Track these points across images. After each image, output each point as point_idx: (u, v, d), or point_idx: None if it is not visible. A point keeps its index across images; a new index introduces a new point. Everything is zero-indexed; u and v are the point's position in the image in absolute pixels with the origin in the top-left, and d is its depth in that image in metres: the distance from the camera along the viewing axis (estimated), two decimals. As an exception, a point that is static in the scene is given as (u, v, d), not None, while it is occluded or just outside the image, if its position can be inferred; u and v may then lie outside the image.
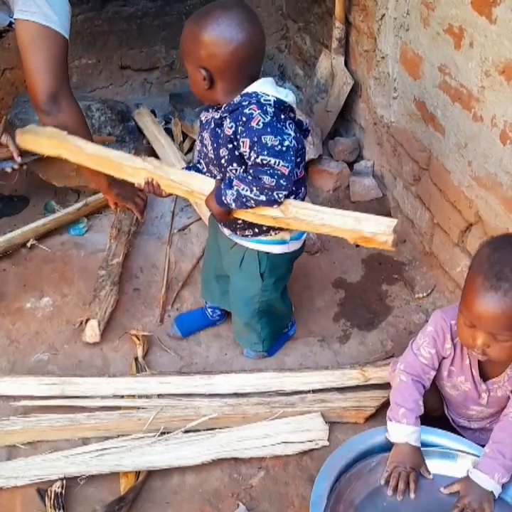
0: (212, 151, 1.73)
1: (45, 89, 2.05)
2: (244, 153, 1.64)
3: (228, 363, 2.18)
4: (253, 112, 1.59)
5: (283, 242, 1.87)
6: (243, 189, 1.65)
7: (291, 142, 1.60)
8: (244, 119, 1.60)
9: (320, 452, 1.85)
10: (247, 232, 1.86)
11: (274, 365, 2.16)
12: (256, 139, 1.59)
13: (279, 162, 1.59)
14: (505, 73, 1.76)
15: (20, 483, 1.76)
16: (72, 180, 2.82)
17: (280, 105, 1.64)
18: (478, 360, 1.61)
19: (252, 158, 1.61)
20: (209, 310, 2.29)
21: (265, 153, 1.58)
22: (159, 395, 2.00)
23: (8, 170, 2.50)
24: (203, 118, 1.80)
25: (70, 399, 1.98)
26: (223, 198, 1.69)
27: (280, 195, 1.64)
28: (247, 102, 1.62)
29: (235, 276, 2.01)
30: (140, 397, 1.99)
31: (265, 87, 1.64)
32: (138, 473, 1.79)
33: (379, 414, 1.93)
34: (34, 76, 2.06)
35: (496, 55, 1.79)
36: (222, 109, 1.68)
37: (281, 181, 1.61)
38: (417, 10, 2.20)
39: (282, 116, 1.64)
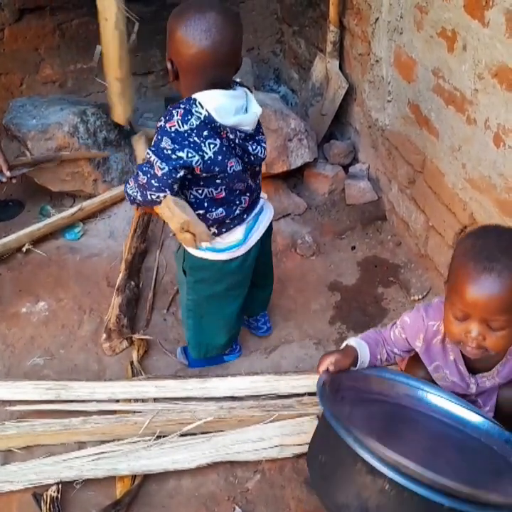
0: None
1: None
2: None
3: (224, 367, 2.18)
4: (175, 115, 1.59)
5: (200, 247, 1.81)
6: (129, 185, 1.72)
7: (188, 157, 1.58)
8: (166, 117, 1.61)
9: (316, 455, 1.85)
10: None
11: (270, 368, 2.16)
12: (157, 137, 1.61)
13: (157, 162, 1.59)
14: (498, 76, 1.77)
15: (16, 488, 1.76)
16: (68, 185, 2.83)
17: (210, 123, 1.60)
18: (463, 356, 1.59)
19: None
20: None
21: (153, 149, 1.61)
22: (155, 399, 2.00)
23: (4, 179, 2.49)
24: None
25: (66, 403, 1.98)
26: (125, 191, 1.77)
27: (152, 196, 1.64)
28: (182, 105, 1.61)
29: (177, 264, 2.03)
30: (136, 401, 1.99)
31: (210, 99, 1.59)
32: (134, 477, 1.79)
33: (375, 417, 1.94)
34: None
35: (488, 58, 1.79)
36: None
37: (153, 181, 1.61)
38: (410, 13, 2.21)
39: (205, 133, 1.60)
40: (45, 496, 1.72)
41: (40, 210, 2.87)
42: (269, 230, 1.99)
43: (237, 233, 1.83)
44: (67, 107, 2.81)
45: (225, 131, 1.62)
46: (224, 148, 1.63)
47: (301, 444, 1.84)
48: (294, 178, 2.94)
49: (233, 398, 1.99)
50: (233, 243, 1.84)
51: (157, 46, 3.47)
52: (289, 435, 1.86)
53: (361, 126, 2.90)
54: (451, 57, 1.99)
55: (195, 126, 1.59)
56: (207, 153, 1.60)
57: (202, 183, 1.69)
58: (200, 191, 1.70)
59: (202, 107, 1.59)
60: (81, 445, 1.89)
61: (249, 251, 1.88)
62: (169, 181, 1.61)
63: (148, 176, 1.62)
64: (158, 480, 1.81)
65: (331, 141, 3.05)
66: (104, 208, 2.84)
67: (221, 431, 1.88)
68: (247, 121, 1.66)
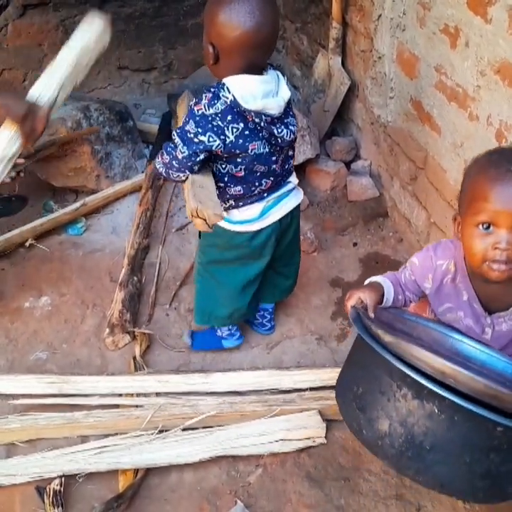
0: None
1: None
2: None
3: (226, 362, 2.19)
4: (203, 99, 1.67)
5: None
6: (158, 160, 1.82)
7: (209, 142, 1.67)
8: (197, 99, 1.68)
9: (317, 450, 1.86)
10: None
11: (272, 363, 2.17)
12: (185, 118, 1.70)
13: (180, 144, 1.70)
14: (500, 73, 1.77)
15: (19, 481, 1.77)
16: (71, 181, 2.84)
17: (235, 107, 1.65)
18: (478, 296, 1.49)
19: None
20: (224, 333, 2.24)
21: (178, 131, 1.72)
22: (157, 394, 2.00)
23: (7, 180, 2.50)
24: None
25: (69, 397, 1.99)
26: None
27: (173, 175, 1.79)
28: (212, 89, 1.68)
29: None
30: (138, 395, 2.00)
31: (238, 84, 1.65)
32: (136, 470, 1.80)
33: (376, 412, 1.95)
34: None
35: (491, 54, 1.80)
36: None
37: (174, 162, 1.74)
38: (413, 10, 2.21)
39: (229, 118, 1.66)
40: (48, 490, 1.73)
41: (43, 205, 2.87)
42: (295, 217, 2.03)
43: (254, 209, 1.88)
44: (70, 102, 2.81)
45: (250, 116, 1.67)
46: (247, 132, 1.70)
47: (302, 439, 1.85)
48: (296, 175, 2.94)
49: (235, 393, 2.00)
50: (247, 218, 1.89)
51: (160, 42, 3.47)
52: (291, 430, 1.86)
53: (363, 123, 2.90)
54: (454, 53, 2.00)
55: (220, 110, 1.66)
56: (228, 137, 1.68)
57: (224, 160, 1.76)
58: (223, 166, 1.78)
59: (229, 92, 1.65)
60: (84, 439, 1.90)
61: (262, 230, 1.92)
62: (189, 164, 1.72)
63: (171, 156, 1.74)
64: (161, 474, 1.82)
65: (333, 137, 3.06)
66: (106, 203, 2.85)
67: (223, 425, 1.89)
68: (272, 105, 1.69)
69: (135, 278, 2.42)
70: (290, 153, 1.91)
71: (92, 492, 1.78)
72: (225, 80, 1.66)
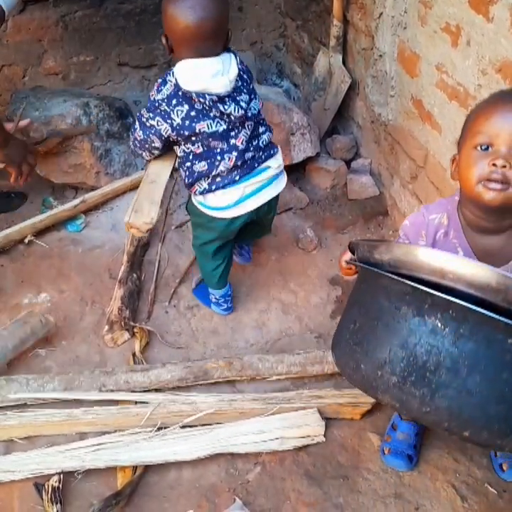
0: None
1: None
2: None
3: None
4: (155, 85, 1.86)
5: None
6: (131, 134, 2.01)
7: (158, 126, 1.86)
8: (153, 87, 1.88)
9: (316, 448, 1.87)
10: None
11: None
12: (146, 105, 1.90)
13: (138, 128, 1.93)
14: (501, 72, 1.77)
15: (17, 478, 1.77)
16: (70, 177, 2.83)
17: (179, 90, 1.80)
18: (474, 251, 1.45)
19: None
20: None
21: (138, 114, 1.93)
22: (156, 390, 2.00)
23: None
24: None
25: (67, 392, 1.98)
26: None
27: (138, 152, 2.03)
28: (163, 76, 1.86)
29: None
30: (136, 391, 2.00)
31: (181, 68, 1.80)
32: (135, 468, 1.80)
33: (375, 411, 1.95)
34: None
35: (492, 53, 1.79)
36: None
37: (136, 142, 1.98)
38: (414, 8, 2.21)
39: (174, 102, 1.82)
40: (46, 486, 1.73)
41: (43, 201, 2.87)
42: (273, 207, 2.20)
43: (231, 196, 1.99)
44: (70, 99, 2.81)
45: (194, 97, 1.79)
46: (193, 113, 1.83)
47: (301, 437, 1.86)
48: (296, 173, 2.94)
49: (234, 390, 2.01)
50: (223, 205, 2.02)
51: (160, 39, 3.45)
52: (290, 428, 1.86)
53: (364, 121, 2.90)
54: (455, 52, 1.99)
55: (166, 95, 1.83)
56: (175, 121, 1.84)
57: (183, 141, 1.92)
58: (185, 146, 1.94)
59: (173, 76, 1.82)
60: (82, 436, 1.90)
61: (238, 217, 2.05)
62: (146, 146, 1.97)
63: (133, 136, 1.98)
64: (159, 471, 1.82)
65: (333, 135, 3.05)
66: (106, 200, 2.85)
67: (222, 423, 1.89)
68: (216, 85, 1.79)
69: (134, 275, 2.42)
70: (260, 129, 2.00)
71: (90, 489, 1.78)
72: (175, 67, 1.81)
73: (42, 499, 1.72)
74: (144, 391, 2.00)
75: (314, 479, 1.80)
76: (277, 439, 1.85)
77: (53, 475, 1.76)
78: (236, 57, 1.87)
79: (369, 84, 2.74)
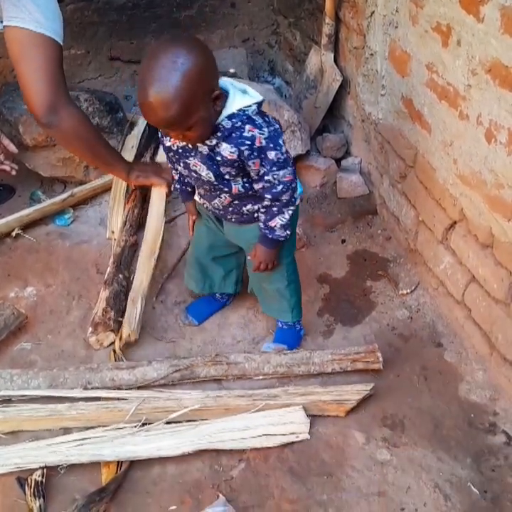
0: (208, 174, 1.73)
1: (41, 102, 1.98)
2: (254, 171, 1.72)
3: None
4: (252, 133, 1.65)
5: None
6: (281, 219, 1.81)
7: (283, 144, 1.71)
8: (248, 142, 1.65)
9: (301, 445, 1.86)
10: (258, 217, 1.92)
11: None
12: (263, 156, 1.68)
13: (285, 173, 1.72)
14: (491, 72, 1.77)
15: (0, 472, 1.76)
16: (59, 171, 2.82)
17: (259, 106, 1.69)
18: None
19: (261, 173, 1.72)
20: (217, 294, 2.33)
21: (275, 169, 1.71)
22: (140, 387, 2.00)
23: (7, 168, 2.50)
24: (170, 144, 1.78)
25: (52, 389, 1.97)
26: (276, 239, 1.86)
27: (296, 199, 1.82)
28: (239, 123, 1.64)
29: (255, 244, 1.99)
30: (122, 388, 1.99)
31: (240, 98, 1.66)
32: (120, 463, 1.79)
33: (360, 408, 1.95)
34: (29, 88, 1.99)
35: (482, 53, 1.80)
36: (215, 136, 1.66)
37: (293, 185, 1.77)
38: (406, 7, 2.21)
39: (265, 116, 1.71)
40: (29, 480, 1.72)
41: (31, 195, 2.86)
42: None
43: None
44: (60, 92, 2.79)
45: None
46: None
47: (286, 434, 1.85)
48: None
49: (219, 386, 2.01)
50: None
51: (152, 34, 3.45)
52: (275, 425, 1.86)
53: (354, 120, 2.90)
54: (446, 52, 1.99)
55: (263, 122, 1.70)
56: (276, 125, 1.74)
57: None
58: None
59: (249, 106, 1.68)
60: (66, 431, 1.89)
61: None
62: (295, 175, 1.80)
63: (286, 188, 1.77)
64: (143, 466, 1.81)
65: (323, 134, 3.05)
66: (94, 194, 2.84)
67: (207, 419, 1.88)
68: (252, 91, 1.73)
69: (121, 275, 2.38)
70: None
71: (73, 484, 1.77)
72: (232, 109, 1.64)
73: (24, 493, 1.71)
74: (130, 389, 1.99)
75: (298, 476, 1.80)
76: (262, 436, 1.84)
77: (36, 469, 1.75)
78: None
79: (360, 82, 2.74)
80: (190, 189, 2.01)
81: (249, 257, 2.00)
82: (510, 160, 1.76)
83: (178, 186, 2.03)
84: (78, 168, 2.81)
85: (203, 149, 1.70)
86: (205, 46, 1.57)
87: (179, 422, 1.88)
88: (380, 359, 2.04)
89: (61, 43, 2.01)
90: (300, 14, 3.28)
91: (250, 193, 1.81)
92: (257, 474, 1.81)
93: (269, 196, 1.77)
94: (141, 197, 2.74)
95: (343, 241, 2.69)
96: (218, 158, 1.69)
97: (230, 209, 1.89)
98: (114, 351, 2.14)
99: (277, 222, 1.81)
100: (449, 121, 2.05)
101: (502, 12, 1.67)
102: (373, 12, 2.47)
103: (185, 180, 1.97)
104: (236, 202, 1.85)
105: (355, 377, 2.05)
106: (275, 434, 1.85)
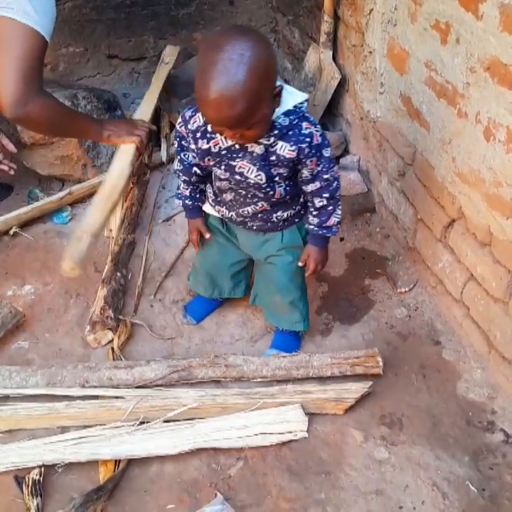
0: (258, 175, 1.68)
1: (8, 94, 1.93)
2: (309, 171, 1.70)
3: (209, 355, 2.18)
4: (310, 130, 1.64)
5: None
6: (336, 217, 1.81)
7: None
8: (307, 139, 1.63)
9: (299, 443, 1.86)
10: (283, 225, 1.92)
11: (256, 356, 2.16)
12: (319, 154, 1.68)
13: (336, 169, 1.75)
14: (490, 70, 1.77)
15: (-3, 470, 1.76)
16: (57, 169, 2.81)
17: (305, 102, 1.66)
18: None
19: (316, 172, 1.71)
20: None
21: (331, 166, 1.72)
22: (138, 386, 1.99)
23: (5, 168, 2.50)
24: (209, 146, 1.67)
25: (49, 387, 1.97)
26: (331, 236, 1.88)
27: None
28: (296, 121, 1.62)
29: (275, 256, 1.97)
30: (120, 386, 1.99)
31: (289, 94, 1.62)
32: (117, 462, 1.79)
33: (358, 406, 1.95)
34: (0, 77, 1.92)
35: (481, 51, 1.79)
36: (271, 134, 1.60)
37: (338, 180, 1.78)
38: (404, 5, 2.20)
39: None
40: (26, 479, 1.72)
41: (29, 193, 2.85)
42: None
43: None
44: (58, 90, 2.77)
45: None
46: None
47: (284, 432, 1.85)
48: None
49: (217, 385, 2.01)
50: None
51: (150, 32, 3.45)
52: (273, 423, 1.86)
53: (353, 118, 2.89)
54: (444, 50, 1.99)
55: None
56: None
57: None
58: None
59: (301, 103, 1.67)
60: (64, 430, 1.88)
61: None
62: None
63: (336, 182, 1.80)
64: (141, 465, 1.81)
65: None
66: (93, 193, 2.81)
67: (205, 418, 1.88)
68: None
69: (118, 274, 2.38)
70: None
71: (71, 482, 1.77)
72: (288, 105, 1.61)
73: (22, 492, 1.71)
74: (127, 388, 1.99)
75: (296, 475, 1.79)
76: (260, 434, 1.84)
77: (34, 468, 1.75)
78: None
79: (358, 80, 2.74)
80: (201, 204, 1.96)
81: (300, 264, 1.95)
82: (508, 158, 1.76)
83: (190, 203, 1.94)
84: (76, 167, 2.80)
85: (257, 149, 1.62)
86: (267, 39, 1.50)
87: (177, 420, 1.87)
88: (380, 364, 2.02)
89: (47, 39, 1.97)
90: (299, 12, 3.28)
91: (288, 198, 1.79)
92: (255, 473, 1.80)
93: (326, 195, 1.74)
94: (141, 196, 2.74)
95: (342, 239, 2.69)
96: (272, 157, 1.63)
97: (259, 216, 1.84)
98: (113, 349, 2.13)
99: (334, 220, 1.80)
100: (448, 119, 2.04)
101: (501, 10, 1.66)
102: (372, 10, 2.47)
103: (197, 195, 1.92)
104: (269, 208, 1.81)
105: (353, 377, 2.05)
106: (273, 433, 1.85)
